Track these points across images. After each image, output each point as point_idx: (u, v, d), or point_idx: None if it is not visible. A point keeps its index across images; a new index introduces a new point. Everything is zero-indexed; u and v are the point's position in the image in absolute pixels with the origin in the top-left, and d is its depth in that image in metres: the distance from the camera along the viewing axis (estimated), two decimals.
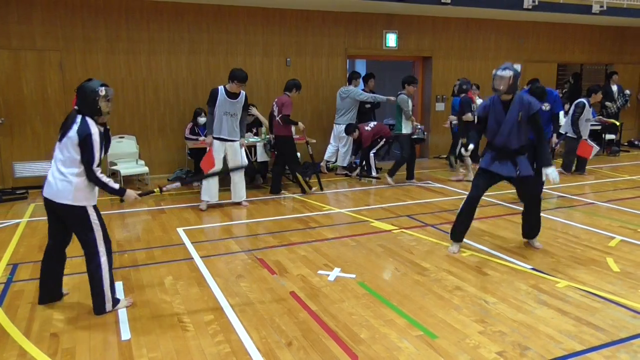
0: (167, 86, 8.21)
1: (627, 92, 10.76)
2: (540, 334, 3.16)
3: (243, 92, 6.19)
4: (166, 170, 8.29)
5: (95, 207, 3.43)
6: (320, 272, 4.21)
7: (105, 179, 3.35)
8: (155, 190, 3.86)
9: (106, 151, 3.49)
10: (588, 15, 10.20)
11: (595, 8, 10.08)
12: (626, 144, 11.99)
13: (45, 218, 3.52)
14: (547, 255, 4.61)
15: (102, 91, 3.32)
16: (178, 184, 4.00)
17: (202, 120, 7.65)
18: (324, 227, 5.57)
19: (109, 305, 3.45)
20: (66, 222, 3.42)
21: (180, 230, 5.46)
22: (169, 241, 5.10)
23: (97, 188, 3.40)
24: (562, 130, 8.61)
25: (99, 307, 3.43)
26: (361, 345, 3.04)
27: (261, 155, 7.57)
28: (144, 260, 4.55)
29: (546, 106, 6.31)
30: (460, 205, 4.69)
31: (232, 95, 6.08)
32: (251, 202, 6.76)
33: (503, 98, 4.42)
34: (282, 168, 7.24)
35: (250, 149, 7.45)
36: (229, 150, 6.21)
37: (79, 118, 3.30)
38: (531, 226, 4.79)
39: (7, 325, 3.32)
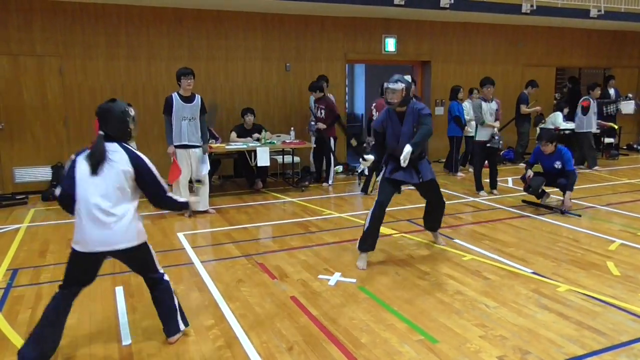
0: (167, 91, 8.15)
1: (630, 95, 10.83)
2: (541, 338, 3.15)
3: (198, 96, 6.17)
4: (166, 175, 8.26)
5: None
6: (320, 276, 4.21)
7: (174, 196, 3.08)
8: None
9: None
10: (586, 19, 10.25)
11: (593, 12, 10.13)
12: (625, 147, 12.02)
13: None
14: (547, 259, 4.61)
15: (132, 111, 3.00)
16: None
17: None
18: (324, 231, 5.57)
19: (182, 325, 3.16)
20: (130, 266, 3.10)
21: (180, 235, 5.46)
22: (170, 246, 5.10)
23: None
24: (575, 129, 9.47)
25: (174, 329, 3.11)
26: (362, 350, 3.04)
27: (261, 160, 7.58)
28: None
29: (558, 165, 6.32)
30: (368, 217, 4.45)
31: (187, 100, 6.05)
32: (251, 207, 6.76)
33: (397, 110, 4.39)
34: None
35: (251, 154, 7.46)
36: (193, 158, 6.15)
37: (116, 146, 2.88)
38: (435, 220, 4.94)
39: (7, 330, 3.32)
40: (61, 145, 7.72)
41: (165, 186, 2.99)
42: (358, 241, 4.53)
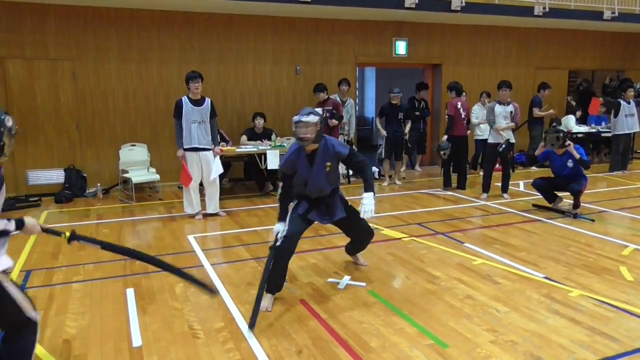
0: (178, 94, 8.20)
1: None
2: (552, 344, 3.12)
3: (208, 99, 6.19)
4: (176, 178, 8.31)
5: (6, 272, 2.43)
6: (330, 279, 4.21)
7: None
8: (65, 233, 2.73)
9: None
10: (599, 21, 10.15)
11: (607, 14, 10.03)
12: (639, 151, 11.86)
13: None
14: (559, 263, 4.56)
15: (9, 121, 2.38)
16: (98, 246, 2.92)
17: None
18: (333, 234, 5.56)
19: None
20: None
21: (190, 237, 5.49)
22: (180, 248, 5.13)
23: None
24: (612, 131, 9.36)
25: None
26: (371, 354, 3.02)
27: (271, 163, 7.60)
28: (155, 268, 4.55)
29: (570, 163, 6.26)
30: (270, 252, 3.78)
31: (196, 103, 6.08)
32: (261, 210, 6.78)
33: (308, 149, 3.73)
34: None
35: (261, 157, 7.48)
36: (203, 161, 6.17)
37: None
38: (358, 248, 4.46)
39: None
40: (74, 148, 7.82)
41: None
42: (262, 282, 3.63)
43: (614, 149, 9.37)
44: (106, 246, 2.95)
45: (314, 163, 3.78)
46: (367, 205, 3.79)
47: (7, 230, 2.38)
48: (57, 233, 2.72)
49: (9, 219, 2.42)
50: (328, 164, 3.80)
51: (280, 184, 3.99)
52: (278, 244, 3.74)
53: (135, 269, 4.54)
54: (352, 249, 4.50)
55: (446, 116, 8.21)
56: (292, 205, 3.98)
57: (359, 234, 4.28)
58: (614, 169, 9.30)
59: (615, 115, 9.18)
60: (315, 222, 4.04)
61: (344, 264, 4.58)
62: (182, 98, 6.11)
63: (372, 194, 3.82)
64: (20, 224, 2.43)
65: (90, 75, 7.75)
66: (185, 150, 6.08)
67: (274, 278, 3.70)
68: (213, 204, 6.36)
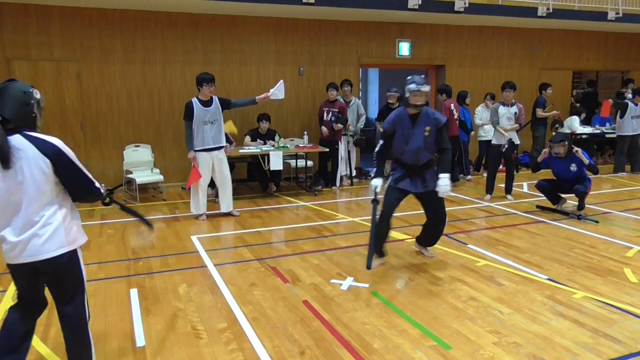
0: (181, 95, 8.30)
1: None
2: (556, 346, 3.11)
3: (215, 98, 6.18)
4: (180, 178, 8.37)
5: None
6: (333, 281, 4.21)
7: (96, 183, 2.63)
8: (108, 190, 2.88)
9: None
10: (603, 22, 10.11)
11: (611, 15, 9.99)
12: None
13: None
14: (563, 265, 4.55)
15: (37, 93, 2.47)
16: (118, 206, 3.08)
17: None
18: (337, 235, 5.57)
19: None
20: (55, 282, 2.55)
21: (194, 238, 5.50)
22: (183, 249, 5.14)
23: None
24: (617, 132, 9.37)
25: None
26: (374, 355, 3.03)
27: (274, 164, 7.61)
28: (159, 268, 4.59)
29: (573, 167, 6.22)
30: (372, 227, 4.24)
31: (206, 104, 6.07)
32: (265, 211, 6.79)
33: (411, 112, 4.25)
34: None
35: (264, 158, 7.49)
36: (216, 160, 6.19)
37: (18, 136, 2.34)
38: (431, 238, 4.72)
39: None
40: (78, 149, 7.83)
41: (92, 178, 2.60)
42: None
43: (618, 149, 9.34)
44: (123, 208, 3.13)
45: (415, 125, 4.25)
46: (443, 185, 4.19)
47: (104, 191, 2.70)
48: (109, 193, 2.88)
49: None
50: (427, 128, 4.23)
51: (380, 141, 4.44)
52: (377, 200, 4.33)
53: (139, 269, 4.56)
54: (424, 237, 4.75)
55: None
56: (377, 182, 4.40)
57: (436, 215, 4.53)
58: (619, 170, 9.27)
59: (622, 116, 9.15)
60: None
61: (347, 265, 4.58)
62: (192, 100, 6.10)
63: (448, 175, 4.23)
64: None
65: (95, 76, 7.78)
66: (197, 151, 6.09)
67: (376, 243, 4.30)
68: (226, 203, 6.38)
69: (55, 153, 2.41)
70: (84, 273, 2.66)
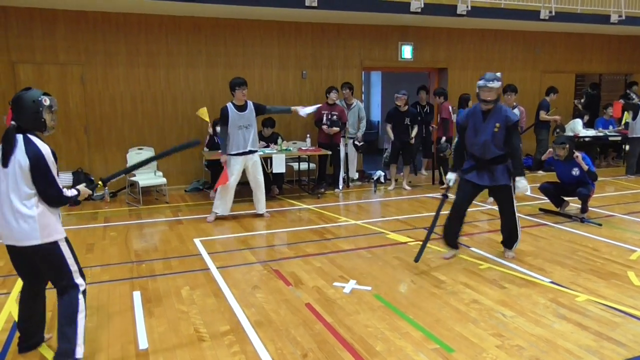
0: (185, 99, 8.34)
1: None
2: (558, 349, 3.11)
3: (250, 103, 6.23)
4: (183, 181, 8.39)
5: (67, 239, 2.94)
6: (335, 283, 4.21)
7: (66, 192, 2.87)
8: (98, 183, 3.21)
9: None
10: (606, 25, 10.11)
11: (614, 18, 9.98)
12: None
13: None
14: (566, 268, 4.54)
15: (46, 101, 2.81)
16: (122, 174, 3.55)
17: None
18: (339, 238, 5.57)
19: (80, 350, 2.88)
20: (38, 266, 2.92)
21: (197, 240, 5.52)
22: (186, 251, 5.15)
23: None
24: (630, 134, 9.31)
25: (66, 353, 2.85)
26: (376, 358, 3.03)
27: (277, 167, 7.63)
28: (161, 271, 4.60)
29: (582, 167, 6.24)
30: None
31: (241, 108, 6.13)
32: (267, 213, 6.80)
33: (483, 108, 4.42)
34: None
35: (267, 161, 7.51)
36: (249, 163, 6.25)
37: (19, 137, 2.73)
38: (504, 239, 4.84)
39: None
40: (82, 152, 7.89)
41: (60, 186, 2.81)
42: None
43: (631, 151, 9.26)
44: (128, 169, 3.73)
45: (486, 119, 4.40)
46: (522, 187, 4.40)
47: (74, 196, 2.92)
48: (95, 185, 3.18)
49: (70, 188, 2.96)
50: (497, 124, 4.35)
51: (457, 138, 4.77)
52: (449, 193, 4.65)
53: (141, 272, 4.57)
54: (504, 239, 4.85)
55: (439, 119, 8.64)
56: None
57: (505, 219, 4.70)
58: (631, 173, 9.20)
59: (634, 118, 9.09)
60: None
61: (350, 268, 4.59)
62: (227, 105, 6.16)
63: (523, 177, 4.40)
64: (77, 191, 2.98)
65: (99, 80, 7.82)
66: (231, 155, 6.15)
67: (445, 237, 4.74)
68: (261, 205, 6.49)
69: (36, 157, 2.72)
70: (70, 263, 2.91)
